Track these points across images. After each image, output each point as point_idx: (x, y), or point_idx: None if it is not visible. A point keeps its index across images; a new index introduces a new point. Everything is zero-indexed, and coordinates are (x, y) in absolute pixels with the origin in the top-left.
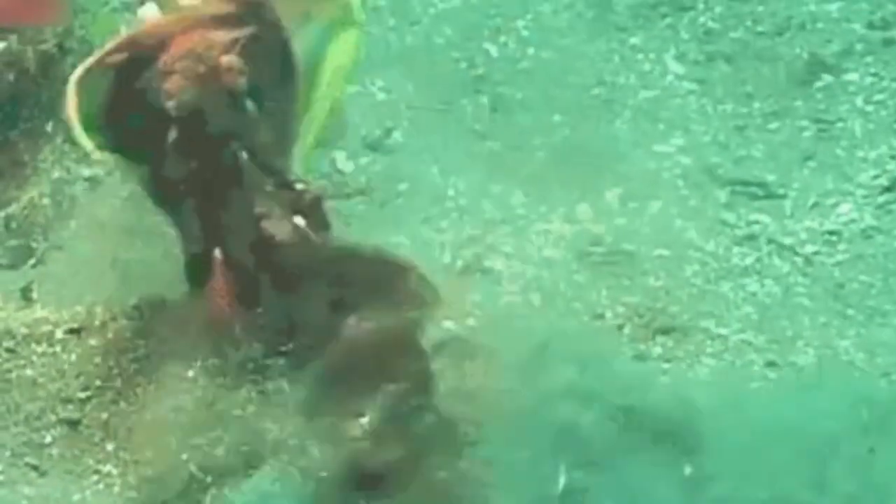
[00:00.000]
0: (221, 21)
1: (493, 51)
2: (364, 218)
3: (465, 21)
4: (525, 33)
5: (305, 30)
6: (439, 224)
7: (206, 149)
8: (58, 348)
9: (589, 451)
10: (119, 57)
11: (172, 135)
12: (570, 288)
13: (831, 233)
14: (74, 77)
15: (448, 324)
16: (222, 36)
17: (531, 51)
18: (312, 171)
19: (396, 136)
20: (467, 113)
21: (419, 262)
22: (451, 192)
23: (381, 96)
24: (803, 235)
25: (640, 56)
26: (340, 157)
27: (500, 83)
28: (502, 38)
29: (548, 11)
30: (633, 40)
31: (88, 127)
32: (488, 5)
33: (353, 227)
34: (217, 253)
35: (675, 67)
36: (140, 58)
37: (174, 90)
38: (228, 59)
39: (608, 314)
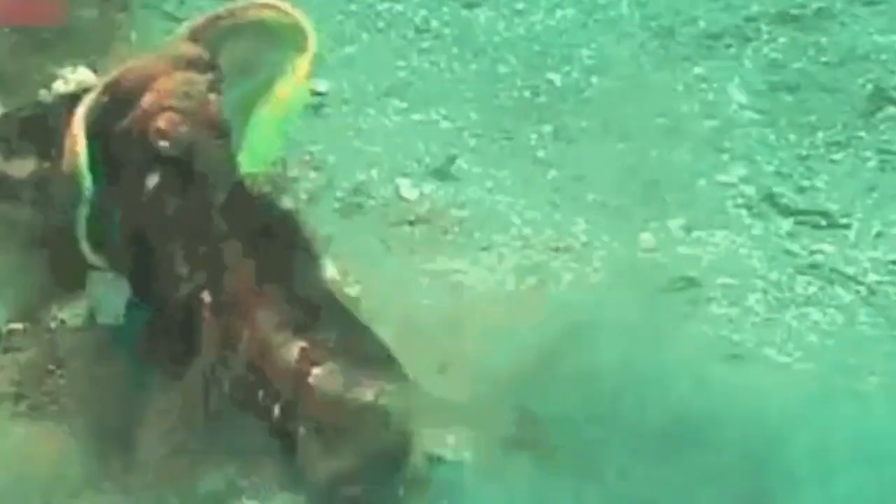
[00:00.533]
0: (194, 63)
1: (557, 80)
2: (427, 245)
3: (528, 50)
4: (589, 62)
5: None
6: (502, 251)
7: (194, 186)
8: None
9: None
10: (102, 99)
11: (154, 178)
12: (632, 316)
13: (894, 262)
14: (80, 114)
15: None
16: (200, 76)
17: (594, 80)
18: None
19: (460, 163)
20: (531, 141)
21: (482, 289)
22: (514, 220)
23: (444, 124)
24: (866, 265)
25: (703, 85)
26: (404, 185)
27: (563, 112)
28: (566, 67)
29: (611, 41)
30: (697, 70)
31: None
32: (552, 34)
33: (415, 255)
34: (206, 295)
35: (739, 97)
36: (119, 100)
37: (168, 127)
38: (215, 96)
39: (671, 342)
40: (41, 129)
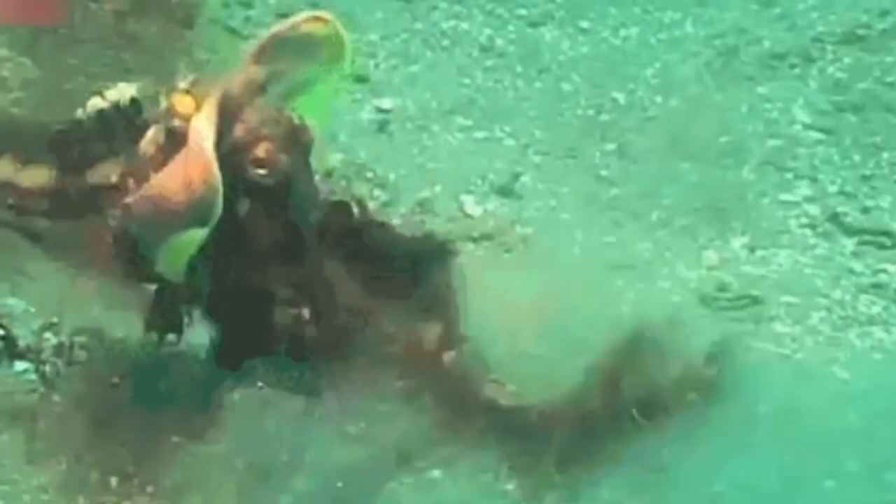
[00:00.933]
0: (264, 87)
1: (621, 98)
2: (490, 262)
3: (592, 68)
4: (653, 81)
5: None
6: (565, 269)
7: (289, 211)
8: None
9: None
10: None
11: (245, 205)
12: (696, 334)
13: None
14: (208, 133)
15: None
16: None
17: (658, 99)
18: None
19: (524, 181)
20: (594, 159)
21: (545, 307)
22: (577, 238)
23: (508, 142)
24: None
25: (767, 105)
26: (468, 201)
27: (627, 130)
28: (630, 86)
29: (676, 60)
30: (761, 90)
31: None
32: (616, 53)
33: (479, 271)
34: (306, 312)
35: (803, 117)
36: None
37: (266, 156)
38: (300, 119)
39: (734, 360)
40: (67, 144)
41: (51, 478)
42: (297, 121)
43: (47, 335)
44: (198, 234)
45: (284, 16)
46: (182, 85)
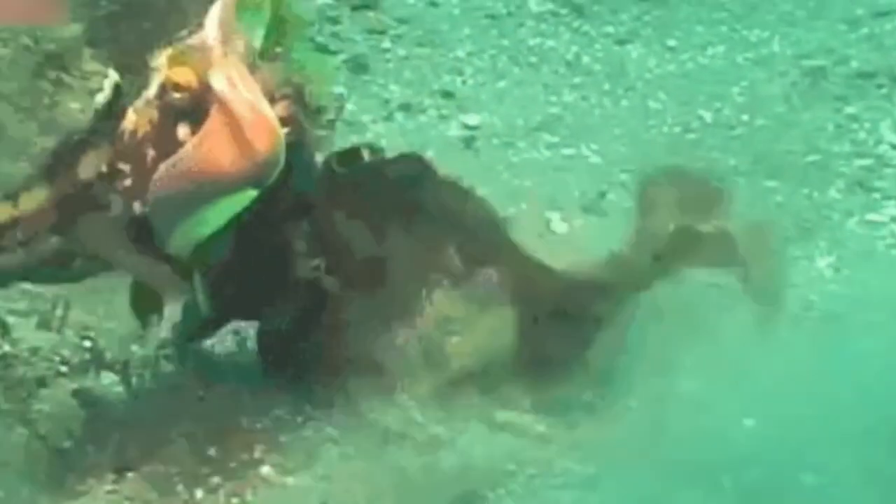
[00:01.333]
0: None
1: (707, 116)
2: None
3: (679, 87)
4: (739, 99)
5: None
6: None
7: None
8: None
9: None
10: None
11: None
12: (780, 351)
13: None
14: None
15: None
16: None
17: (745, 117)
18: None
19: (610, 198)
20: None
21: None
22: None
23: (594, 159)
24: None
25: (854, 125)
26: (555, 218)
27: (713, 149)
28: (716, 104)
29: (762, 79)
30: (849, 109)
31: None
32: (703, 72)
33: None
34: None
35: (891, 137)
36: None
37: (287, 114)
38: (301, 78)
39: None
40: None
41: (138, 491)
42: (298, 79)
43: (134, 347)
44: (248, 197)
45: (371, 32)
46: (163, 59)
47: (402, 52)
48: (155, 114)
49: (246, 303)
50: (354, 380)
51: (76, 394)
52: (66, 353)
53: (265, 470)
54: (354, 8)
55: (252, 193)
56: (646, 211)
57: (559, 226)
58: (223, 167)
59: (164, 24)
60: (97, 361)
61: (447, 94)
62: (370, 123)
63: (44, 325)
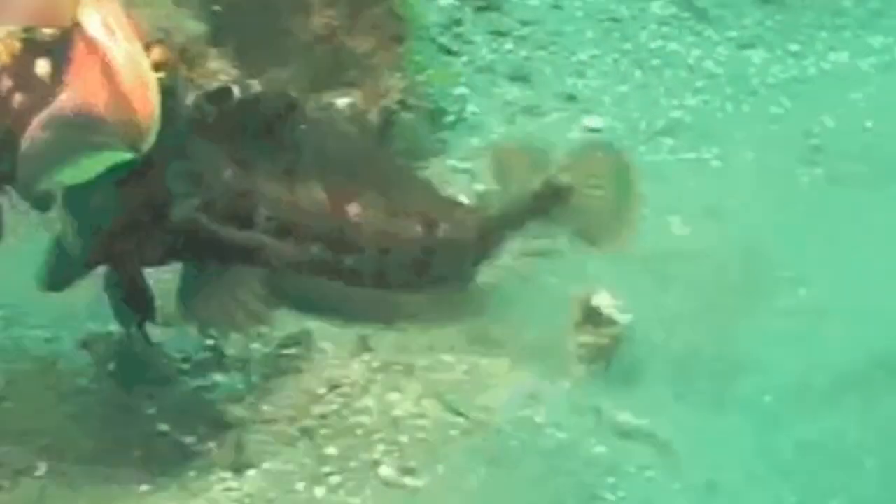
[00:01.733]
0: None
1: (830, 122)
2: (697, 283)
3: (801, 91)
4: (862, 105)
5: None
6: (774, 293)
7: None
8: None
9: None
10: None
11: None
12: None
13: None
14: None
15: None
16: None
17: (869, 123)
18: None
19: (731, 203)
20: (803, 183)
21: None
22: (785, 261)
23: (716, 163)
24: None
25: None
26: (675, 222)
27: (836, 155)
28: (839, 110)
29: (886, 84)
30: None
31: None
32: (825, 77)
33: (689, 293)
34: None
35: None
36: None
37: (162, 59)
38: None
39: None
40: None
41: (256, 487)
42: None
43: (255, 345)
44: (125, 158)
45: (493, 33)
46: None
47: (524, 53)
48: (17, 46)
49: (120, 244)
50: None
51: (198, 391)
52: (188, 350)
53: (384, 470)
54: (478, 9)
55: (129, 156)
56: None
57: (681, 229)
58: (96, 109)
59: None
60: (218, 359)
61: (570, 97)
62: (493, 125)
63: (167, 321)
